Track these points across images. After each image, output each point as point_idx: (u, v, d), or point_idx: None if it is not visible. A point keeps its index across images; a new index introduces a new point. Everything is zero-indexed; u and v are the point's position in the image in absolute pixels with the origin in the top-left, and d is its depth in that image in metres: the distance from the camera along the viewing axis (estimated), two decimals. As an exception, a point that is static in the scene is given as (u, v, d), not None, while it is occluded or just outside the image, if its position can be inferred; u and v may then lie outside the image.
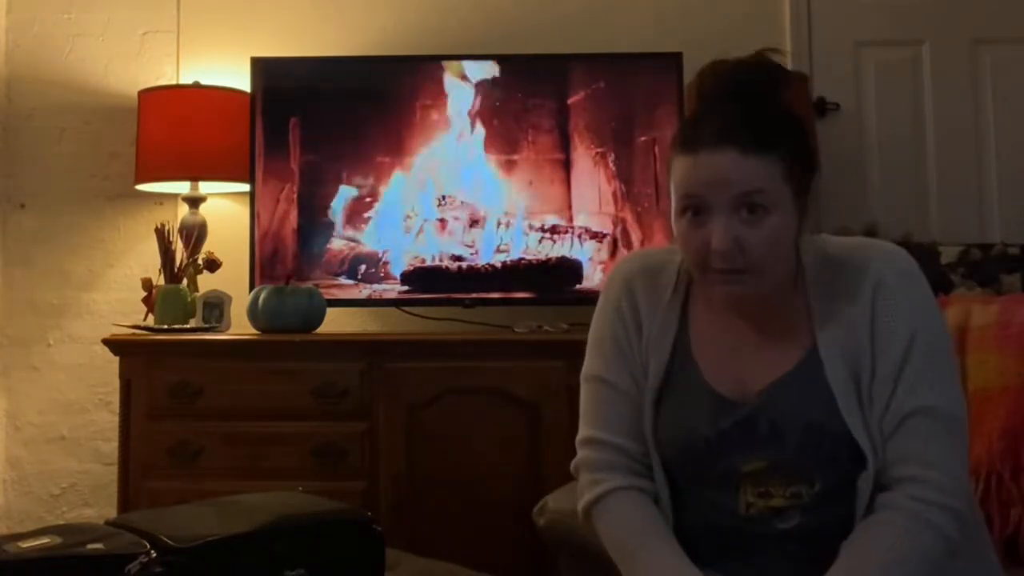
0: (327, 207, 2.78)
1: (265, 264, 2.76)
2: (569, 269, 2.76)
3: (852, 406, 1.27)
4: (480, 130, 2.80)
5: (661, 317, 1.38)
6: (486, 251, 2.78)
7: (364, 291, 2.77)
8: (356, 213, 2.78)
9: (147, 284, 2.77)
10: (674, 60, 2.74)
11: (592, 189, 2.79)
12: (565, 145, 2.80)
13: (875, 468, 1.26)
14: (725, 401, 1.33)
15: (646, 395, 1.37)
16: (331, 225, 2.78)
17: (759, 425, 1.30)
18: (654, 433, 1.36)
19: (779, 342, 1.33)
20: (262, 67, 2.82)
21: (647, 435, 1.36)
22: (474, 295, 2.75)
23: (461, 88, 2.80)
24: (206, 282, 2.78)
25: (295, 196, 2.78)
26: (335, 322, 2.75)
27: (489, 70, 2.81)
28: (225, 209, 2.99)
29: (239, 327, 2.66)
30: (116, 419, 2.54)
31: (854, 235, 1.45)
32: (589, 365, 1.42)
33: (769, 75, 1.32)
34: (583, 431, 1.41)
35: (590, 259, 2.76)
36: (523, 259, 2.77)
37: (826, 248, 1.36)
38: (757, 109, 1.28)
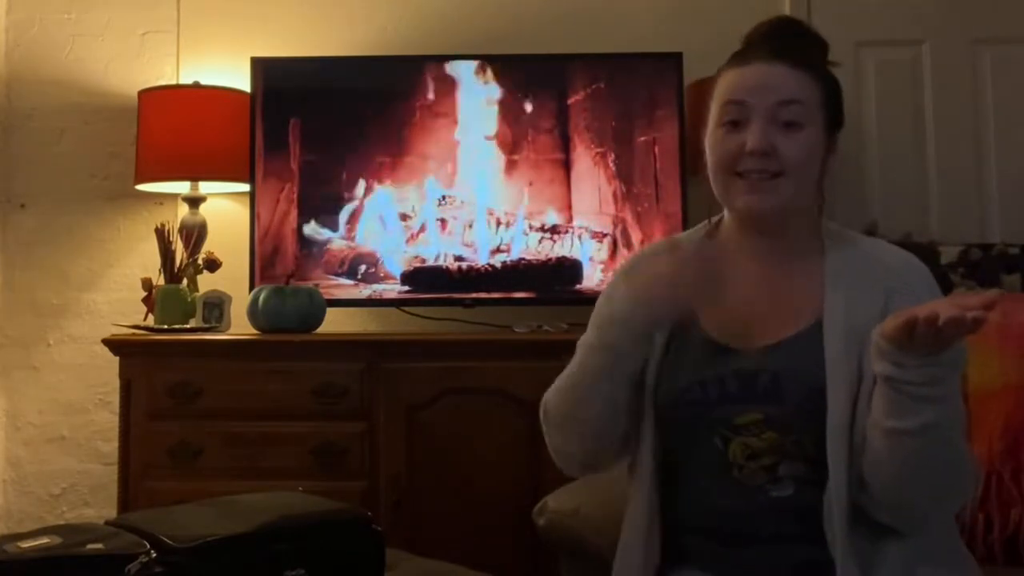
0: (327, 207, 2.78)
1: (265, 264, 2.76)
2: (569, 269, 2.76)
3: (843, 378, 1.28)
4: (480, 130, 2.80)
5: None
6: (486, 251, 2.78)
7: (364, 291, 2.77)
8: (356, 213, 2.78)
9: (147, 284, 2.77)
10: (674, 60, 2.74)
11: (592, 189, 2.79)
12: (565, 145, 2.80)
13: (850, 439, 1.27)
14: (725, 349, 1.36)
15: (652, 353, 1.39)
16: (331, 225, 2.78)
17: (760, 378, 1.32)
18: (655, 387, 1.39)
19: (789, 308, 1.36)
20: (262, 67, 2.82)
21: (647, 394, 1.39)
22: (474, 295, 2.75)
23: (461, 88, 2.80)
24: (206, 282, 2.77)
25: (295, 196, 2.78)
26: (335, 322, 2.75)
27: (489, 70, 2.81)
28: (225, 209, 2.99)
29: (239, 327, 2.65)
30: (116, 419, 2.53)
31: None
32: (583, 336, 1.44)
33: (809, 32, 1.45)
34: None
35: (590, 259, 2.76)
36: (523, 259, 2.77)
37: (842, 232, 1.43)
38: (805, 44, 1.41)
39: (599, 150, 2.79)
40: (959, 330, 1.10)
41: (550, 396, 1.45)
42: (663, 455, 1.40)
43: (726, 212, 1.45)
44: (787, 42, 1.39)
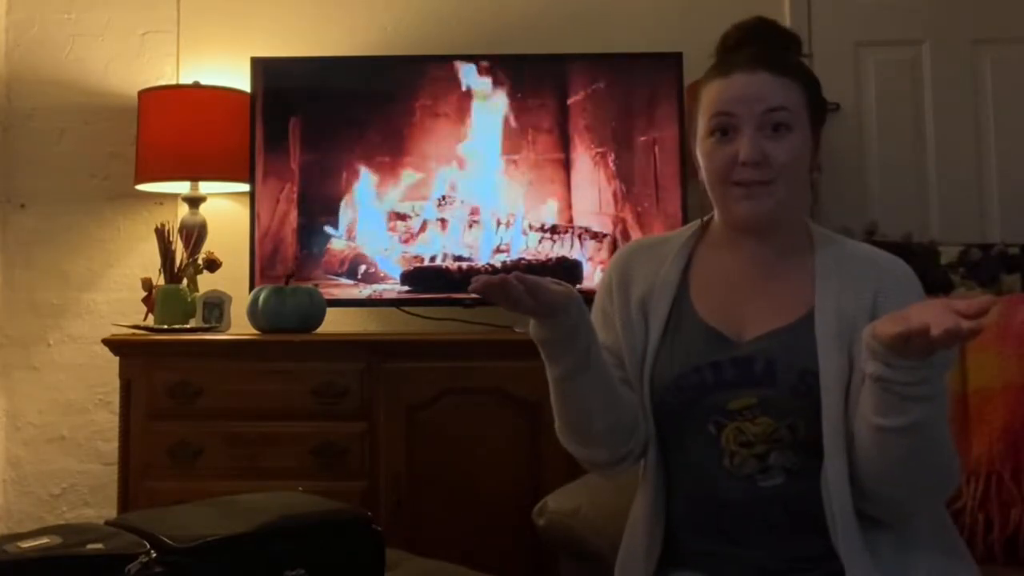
0: (327, 207, 2.78)
1: (265, 264, 2.76)
2: (569, 269, 2.76)
3: (834, 365, 1.32)
4: (480, 130, 2.80)
5: (663, 275, 1.46)
6: (486, 251, 2.78)
7: (364, 291, 2.77)
8: (356, 213, 2.78)
9: (147, 284, 2.77)
10: (674, 60, 2.74)
11: (592, 189, 2.79)
12: (565, 145, 2.80)
13: (844, 422, 1.30)
14: (722, 337, 1.39)
15: (649, 341, 1.43)
16: (331, 225, 2.78)
17: (755, 363, 1.36)
18: (652, 374, 1.41)
19: (781, 300, 1.40)
20: (262, 67, 2.82)
21: (644, 381, 1.42)
22: (474, 295, 2.75)
23: (461, 88, 2.80)
24: (206, 282, 2.77)
25: (295, 196, 2.78)
26: (335, 322, 2.75)
27: (489, 70, 2.81)
28: (225, 209, 2.99)
29: (239, 327, 2.65)
30: (116, 419, 2.53)
31: (854, 235, 1.52)
32: None
33: (780, 29, 1.46)
34: None
35: (590, 259, 2.76)
36: (523, 259, 2.77)
37: (830, 235, 1.47)
38: (782, 47, 1.43)
39: (599, 150, 2.79)
40: (954, 341, 1.10)
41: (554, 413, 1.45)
42: (661, 449, 1.42)
43: (716, 212, 1.47)
44: (765, 47, 1.41)
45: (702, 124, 1.41)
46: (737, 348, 1.37)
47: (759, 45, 1.41)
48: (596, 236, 2.77)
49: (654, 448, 1.41)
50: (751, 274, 1.43)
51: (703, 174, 1.43)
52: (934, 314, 1.10)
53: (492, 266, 2.76)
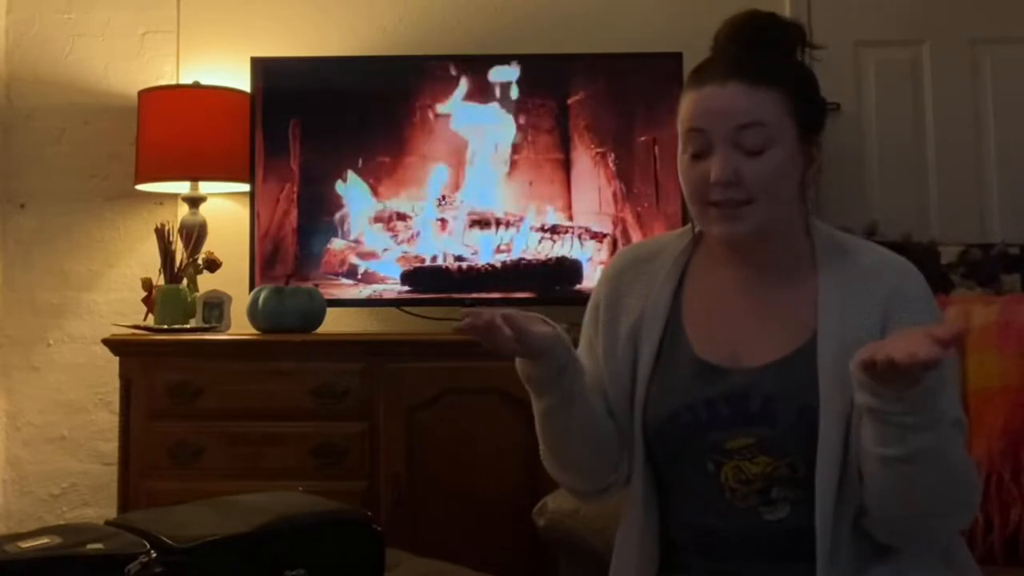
0: (327, 207, 2.78)
1: (265, 264, 2.76)
2: (569, 269, 2.76)
3: (837, 397, 1.24)
4: (480, 130, 2.80)
5: (654, 298, 1.39)
6: (486, 251, 2.78)
7: (364, 291, 2.77)
8: (356, 213, 2.78)
9: (147, 284, 2.77)
10: (674, 60, 2.74)
11: (592, 189, 2.79)
12: (565, 145, 2.80)
13: (842, 461, 1.24)
14: (714, 369, 1.32)
15: (639, 373, 1.36)
16: (331, 225, 2.78)
17: (751, 401, 1.29)
18: (644, 410, 1.35)
19: (781, 325, 1.32)
20: (262, 67, 2.82)
21: (636, 415, 1.36)
22: (474, 295, 2.75)
23: (461, 88, 2.80)
24: (206, 282, 2.78)
25: (295, 196, 2.78)
26: (335, 322, 2.75)
27: (489, 70, 2.81)
28: (225, 209, 2.99)
29: (239, 327, 2.66)
30: (116, 419, 2.54)
31: (855, 235, 1.45)
32: None
33: (778, 23, 1.36)
34: None
35: (590, 259, 2.76)
36: (523, 259, 2.77)
37: (836, 238, 1.37)
38: (764, 50, 1.31)
39: (599, 150, 2.79)
40: (917, 369, 1.05)
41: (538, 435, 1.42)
42: (655, 474, 1.37)
43: None
44: (751, 48, 1.31)
45: (679, 137, 1.33)
46: (733, 381, 1.30)
47: (747, 46, 1.32)
48: (596, 236, 2.77)
49: (646, 477, 1.36)
50: (747, 295, 1.35)
51: (683, 192, 1.35)
52: (909, 342, 1.05)
53: (492, 266, 2.76)
